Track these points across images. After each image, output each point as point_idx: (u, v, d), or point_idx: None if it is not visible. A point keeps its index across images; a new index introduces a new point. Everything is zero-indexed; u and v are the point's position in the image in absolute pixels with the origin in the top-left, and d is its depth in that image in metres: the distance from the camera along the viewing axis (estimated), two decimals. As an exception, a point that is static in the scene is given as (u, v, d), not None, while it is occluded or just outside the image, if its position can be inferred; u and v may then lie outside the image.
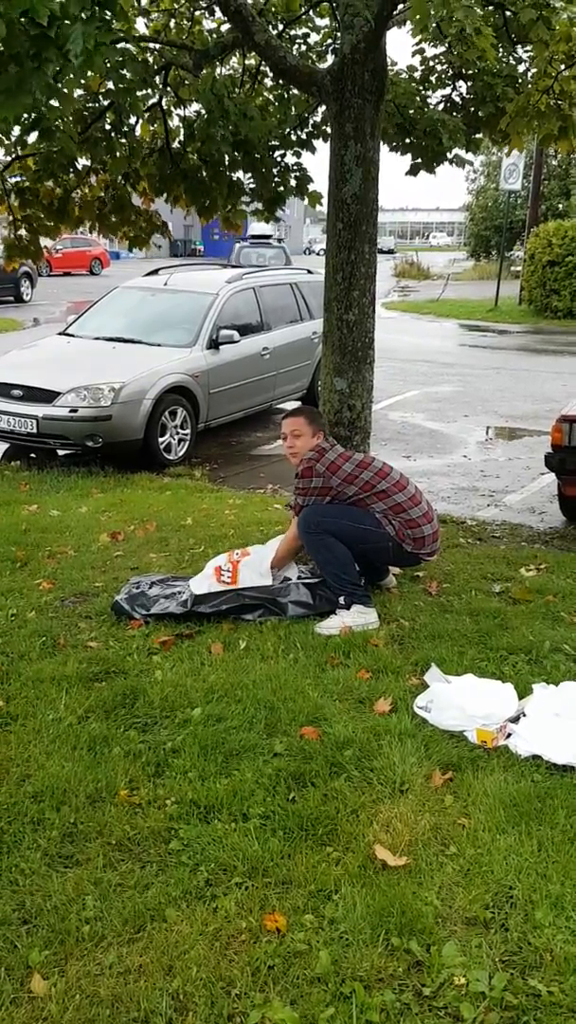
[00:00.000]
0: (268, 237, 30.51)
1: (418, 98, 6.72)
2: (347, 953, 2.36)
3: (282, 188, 6.97)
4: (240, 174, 7.09)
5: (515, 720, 3.46)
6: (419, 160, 6.70)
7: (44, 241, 7.87)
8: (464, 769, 3.21)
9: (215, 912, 2.50)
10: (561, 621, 4.58)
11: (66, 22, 3.22)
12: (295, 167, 7.06)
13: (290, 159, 7.04)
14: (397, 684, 3.85)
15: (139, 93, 5.71)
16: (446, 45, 6.39)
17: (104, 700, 3.66)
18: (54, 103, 3.68)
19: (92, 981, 2.27)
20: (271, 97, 7.42)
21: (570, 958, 2.35)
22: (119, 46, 5.12)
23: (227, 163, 6.72)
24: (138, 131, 7.10)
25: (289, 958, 2.35)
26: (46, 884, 2.60)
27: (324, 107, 6.39)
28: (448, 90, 6.84)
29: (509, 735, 3.39)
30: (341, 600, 4.50)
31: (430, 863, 2.70)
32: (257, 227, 31.00)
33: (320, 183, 6.11)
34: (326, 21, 7.22)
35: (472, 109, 6.70)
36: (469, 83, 6.65)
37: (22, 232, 7.11)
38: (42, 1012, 2.18)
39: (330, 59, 6.91)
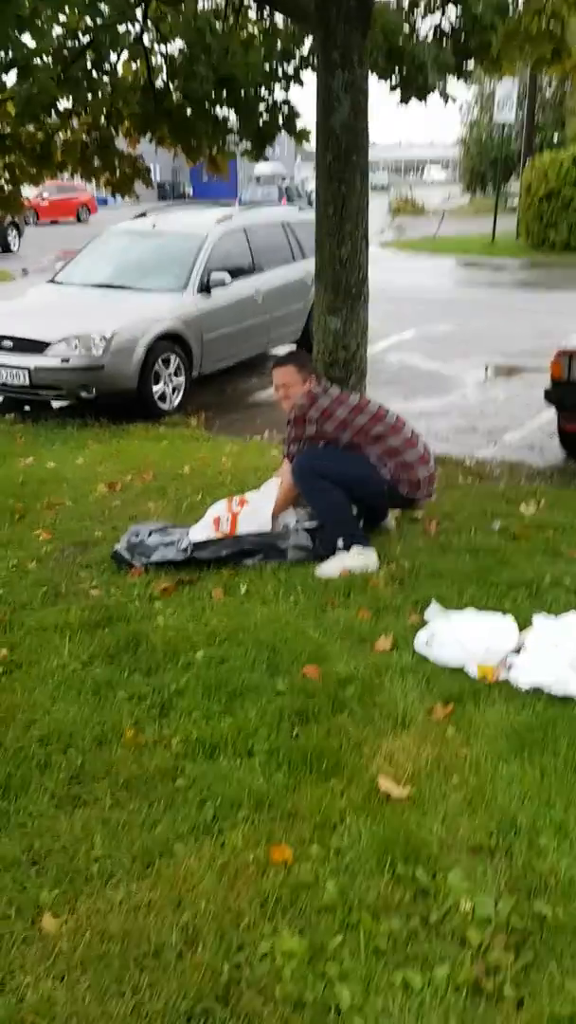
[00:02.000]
0: (278, 176, 30.41)
1: (407, 25, 6.56)
2: (353, 883, 2.41)
3: (270, 125, 6.84)
4: (225, 112, 6.96)
5: (516, 652, 3.49)
6: (409, 90, 6.57)
7: (29, 191, 7.76)
8: (465, 702, 3.25)
9: (222, 846, 2.54)
10: (561, 555, 4.60)
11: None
12: (283, 103, 6.92)
13: (278, 95, 6.90)
14: (398, 622, 3.87)
15: (119, 29, 5.59)
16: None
17: (107, 646, 3.69)
18: (28, 40, 3.60)
19: (102, 918, 2.32)
20: (255, 31, 7.25)
21: (574, 881, 2.39)
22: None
23: (211, 100, 6.60)
24: (120, 70, 6.95)
25: (296, 889, 2.39)
26: (55, 825, 2.65)
27: (311, 38, 6.25)
28: (437, 17, 6.68)
29: (510, 667, 3.42)
30: (340, 543, 4.51)
31: (433, 793, 2.75)
32: (265, 166, 30.79)
33: (309, 120, 6.00)
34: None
35: (462, 37, 6.54)
36: (458, 9, 6.49)
37: (1, 183, 7.00)
38: (53, 950, 2.23)
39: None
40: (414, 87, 6.39)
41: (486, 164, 39.02)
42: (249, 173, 40.82)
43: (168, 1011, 2.05)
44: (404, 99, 6.46)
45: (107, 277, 9.26)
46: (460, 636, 3.58)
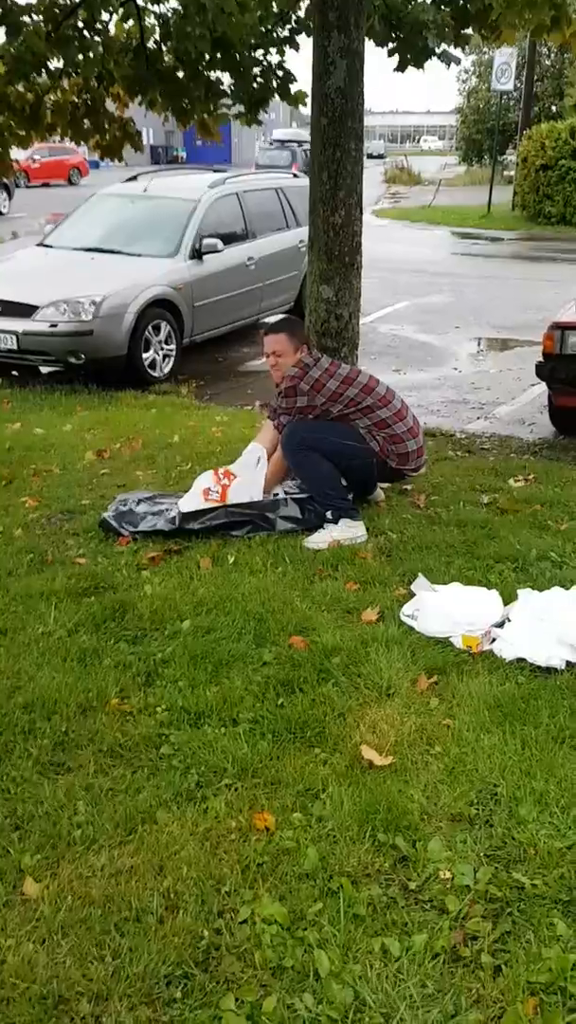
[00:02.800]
0: (293, 142, 30.27)
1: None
2: (334, 850, 2.43)
3: (264, 89, 6.75)
4: (219, 74, 6.87)
5: (500, 625, 3.52)
6: (407, 56, 6.49)
7: (19, 153, 7.65)
8: (449, 673, 3.28)
9: (205, 813, 2.57)
10: (547, 529, 4.61)
11: None
12: (278, 67, 6.83)
13: (273, 58, 6.81)
14: (384, 594, 3.89)
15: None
16: None
17: (93, 614, 3.70)
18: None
19: (84, 883, 2.34)
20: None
21: (553, 852, 2.42)
22: None
23: (205, 63, 6.51)
24: (112, 29, 6.85)
25: (278, 855, 2.42)
26: (38, 791, 2.66)
27: (307, 1, 6.16)
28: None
29: (494, 640, 3.45)
30: (329, 515, 4.52)
31: (415, 762, 2.77)
32: (283, 131, 30.73)
33: (304, 83, 5.93)
34: None
35: (461, 2, 6.46)
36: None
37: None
38: (35, 913, 2.25)
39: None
40: (412, 53, 6.31)
41: (483, 133, 38.70)
42: (264, 135, 40.56)
43: (147, 974, 2.08)
44: (401, 67, 6.39)
45: (97, 241, 9.17)
46: (446, 608, 3.60)
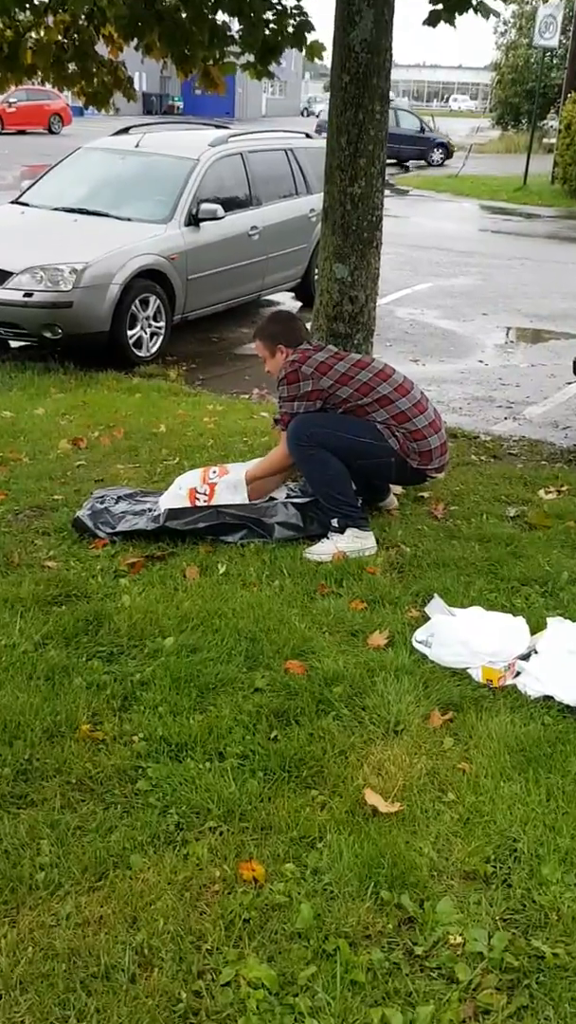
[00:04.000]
0: None
1: None
2: (331, 907, 2.44)
3: (277, 36, 6.75)
4: (226, 18, 6.86)
5: (525, 657, 3.53)
6: (439, 6, 6.50)
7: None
8: (466, 709, 3.29)
9: (185, 859, 2.58)
10: (583, 550, 4.64)
11: None
12: (294, 10, 6.83)
13: (288, 1, 6.80)
14: (395, 616, 3.91)
15: None
16: None
17: (64, 626, 3.71)
18: None
19: (47, 933, 2.35)
20: None
21: (577, 917, 2.44)
22: None
23: (210, 3, 6.50)
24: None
25: (267, 911, 2.43)
26: (-4, 827, 2.67)
27: None
28: None
29: (518, 673, 3.46)
30: (334, 522, 4.54)
31: (426, 810, 2.79)
32: None
33: (323, 31, 5.93)
34: None
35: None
36: None
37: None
38: (-9, 965, 2.26)
39: None
40: (448, 3, 6.31)
41: (521, 95, 38.77)
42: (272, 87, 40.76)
43: (117, 1040, 2.09)
44: (432, 20, 6.39)
45: (80, 201, 9.19)
46: (464, 635, 3.61)
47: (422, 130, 33.71)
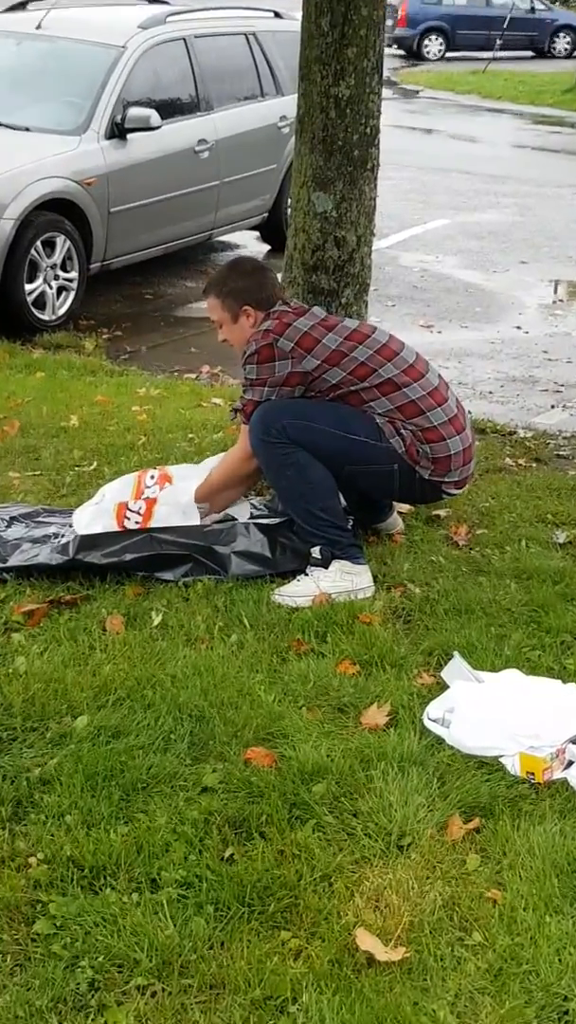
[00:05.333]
0: None
1: None
2: None
3: None
4: None
5: (581, 742, 3.53)
6: None
7: None
8: (498, 815, 3.27)
9: (104, 1033, 2.54)
10: None
11: None
12: None
13: None
14: (399, 684, 3.89)
15: None
16: None
17: None
18: None
19: None
20: None
21: None
22: None
23: None
24: None
25: None
26: None
27: None
28: None
29: (570, 764, 3.45)
30: (315, 552, 4.52)
31: (441, 958, 2.76)
32: None
33: None
34: None
35: None
36: None
37: None
38: None
39: None
40: None
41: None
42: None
43: None
44: None
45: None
46: (495, 711, 3.60)
47: (532, 9, 33.61)
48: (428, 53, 32.27)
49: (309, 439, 4.49)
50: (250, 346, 4.56)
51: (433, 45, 32.50)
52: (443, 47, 32.55)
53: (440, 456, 4.56)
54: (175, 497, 4.67)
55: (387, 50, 25.41)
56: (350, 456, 4.54)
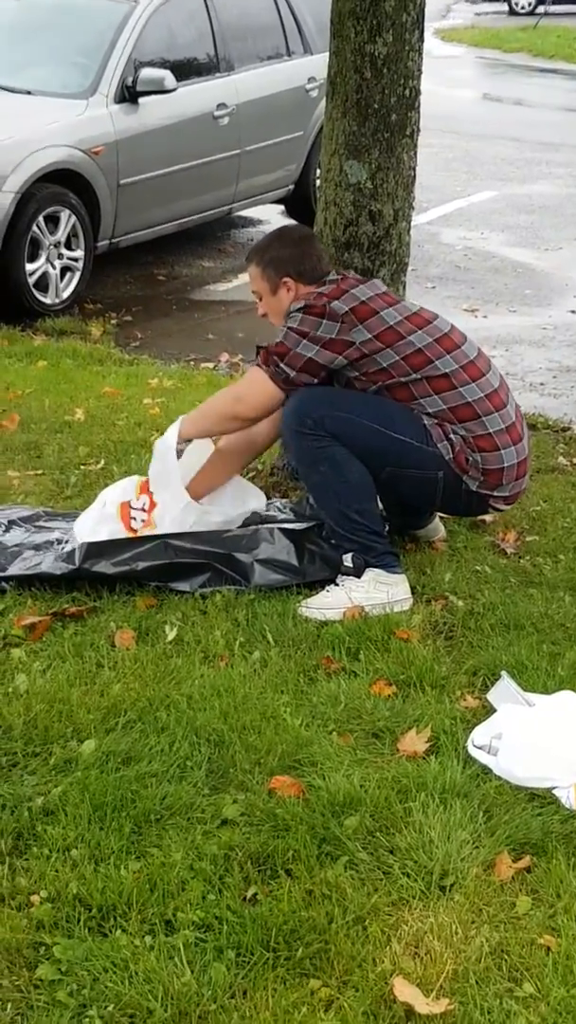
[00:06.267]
0: None
1: None
2: None
3: None
4: None
5: None
6: None
7: None
8: (552, 853, 3.26)
9: None
10: None
11: None
12: None
13: None
14: (440, 707, 3.88)
15: None
16: None
17: None
18: None
19: None
20: None
21: None
22: None
23: None
24: None
25: None
26: None
27: None
28: None
29: None
30: (347, 560, 4.52)
31: (489, 1011, 2.75)
32: None
33: None
34: None
35: None
36: None
37: None
38: None
39: None
40: None
41: None
42: None
43: None
44: None
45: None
46: (548, 737, 3.60)
47: None
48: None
49: (348, 433, 4.47)
50: (299, 302, 4.53)
51: None
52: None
53: (492, 468, 4.53)
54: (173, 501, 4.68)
55: (486, 4, 25.36)
56: (392, 457, 4.52)
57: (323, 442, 4.47)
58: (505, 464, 4.53)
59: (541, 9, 30.54)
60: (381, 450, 4.50)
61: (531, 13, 31.72)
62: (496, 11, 31.15)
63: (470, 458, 4.49)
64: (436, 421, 4.49)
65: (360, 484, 4.53)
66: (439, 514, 5.05)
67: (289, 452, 4.59)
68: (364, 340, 4.44)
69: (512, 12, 31.65)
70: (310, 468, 4.57)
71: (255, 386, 4.58)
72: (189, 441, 4.77)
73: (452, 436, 4.48)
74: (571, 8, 31.37)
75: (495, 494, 4.60)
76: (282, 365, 4.45)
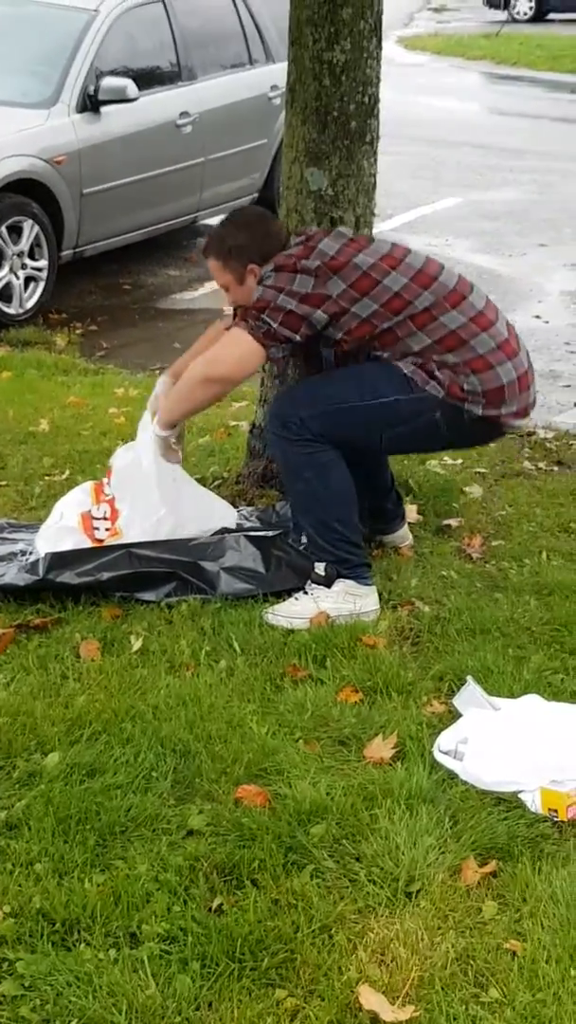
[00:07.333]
0: None
1: None
2: None
3: None
4: None
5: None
6: None
7: None
8: (517, 857, 3.26)
9: None
10: None
11: None
12: None
13: None
14: (406, 713, 3.89)
15: None
16: None
17: None
18: None
19: None
20: None
21: None
22: None
23: None
24: None
25: None
26: None
27: None
28: None
29: (600, 800, 3.45)
30: (319, 568, 4.52)
31: (455, 1017, 2.74)
32: None
33: None
34: None
35: None
36: None
37: None
38: None
39: None
40: None
41: None
42: None
43: None
44: None
45: None
46: (514, 741, 3.60)
47: None
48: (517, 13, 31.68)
49: (335, 423, 4.44)
50: (269, 265, 4.48)
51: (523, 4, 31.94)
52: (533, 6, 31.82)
53: (491, 387, 4.46)
54: (153, 505, 4.67)
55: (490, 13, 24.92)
56: (386, 421, 4.50)
57: (310, 447, 4.45)
58: (504, 381, 4.47)
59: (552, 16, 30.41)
60: (373, 420, 4.50)
61: (531, 20, 31.68)
62: (501, 20, 30.87)
63: (466, 385, 4.42)
64: (416, 366, 4.43)
65: (343, 492, 4.52)
66: (408, 516, 5.06)
67: (275, 459, 4.57)
68: (340, 292, 4.38)
69: (513, 20, 31.43)
70: (295, 475, 4.56)
71: (231, 346, 4.50)
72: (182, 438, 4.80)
73: (438, 373, 4.42)
74: (571, 16, 31.33)
75: (503, 412, 4.52)
76: (264, 316, 4.37)
